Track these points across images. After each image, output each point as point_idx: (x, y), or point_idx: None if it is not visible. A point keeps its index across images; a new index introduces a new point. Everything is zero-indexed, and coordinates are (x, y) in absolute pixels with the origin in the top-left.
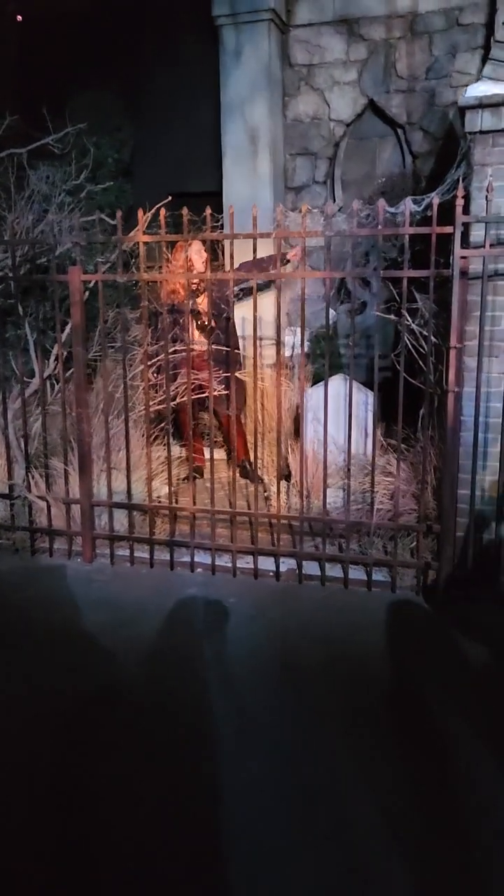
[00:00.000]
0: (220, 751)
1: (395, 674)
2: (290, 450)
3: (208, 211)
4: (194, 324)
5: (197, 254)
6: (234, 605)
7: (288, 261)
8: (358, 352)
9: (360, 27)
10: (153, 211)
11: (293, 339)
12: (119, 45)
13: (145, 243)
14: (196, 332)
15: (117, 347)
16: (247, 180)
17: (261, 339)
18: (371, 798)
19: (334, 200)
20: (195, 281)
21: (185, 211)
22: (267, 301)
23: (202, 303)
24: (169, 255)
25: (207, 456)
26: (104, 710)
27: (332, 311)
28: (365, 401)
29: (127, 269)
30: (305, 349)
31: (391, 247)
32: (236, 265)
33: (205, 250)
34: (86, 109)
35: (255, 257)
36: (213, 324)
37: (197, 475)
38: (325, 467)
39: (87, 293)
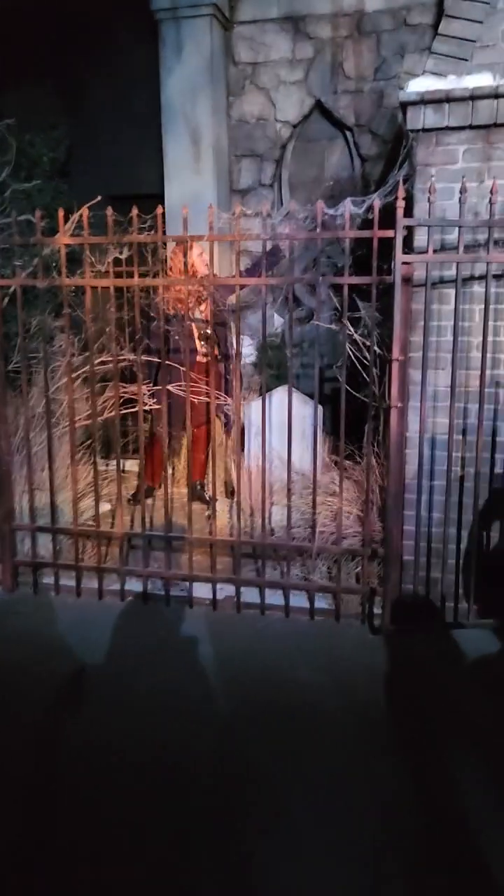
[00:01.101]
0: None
1: (329, 717)
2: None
3: (134, 212)
4: (196, 333)
5: (199, 257)
6: (164, 638)
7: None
8: (307, 361)
9: (305, 25)
10: (79, 213)
11: (252, 349)
12: (55, 38)
13: (67, 246)
14: (198, 342)
15: (39, 358)
16: (189, 182)
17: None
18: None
19: (281, 204)
20: (195, 287)
21: (108, 211)
22: None
23: (205, 311)
24: (93, 259)
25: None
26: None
27: (279, 319)
28: (310, 414)
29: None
30: (253, 359)
31: (340, 251)
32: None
33: (205, 254)
34: (18, 105)
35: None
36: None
37: (141, 498)
38: (265, 486)
39: (6, 300)
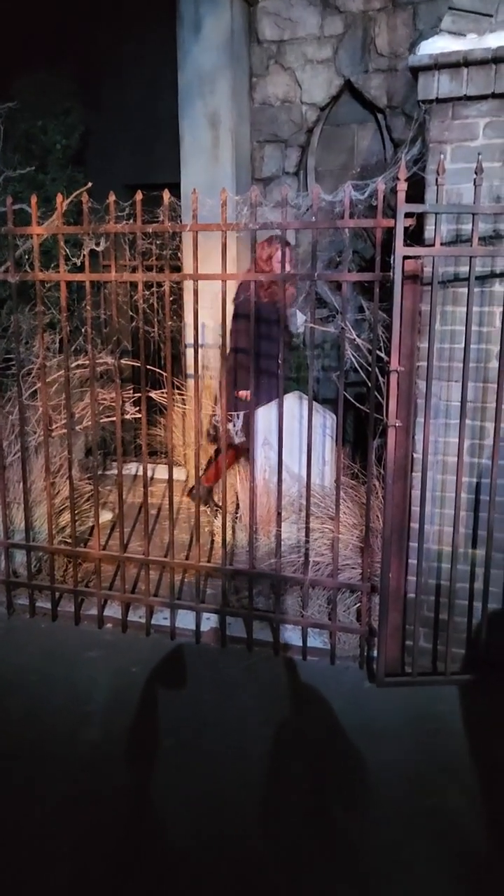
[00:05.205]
0: None
1: (305, 795)
2: (236, 477)
3: (111, 198)
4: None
5: (277, 251)
6: (137, 676)
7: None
8: (328, 364)
9: None
10: (68, 201)
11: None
12: (69, 20)
13: (40, 236)
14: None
15: (14, 361)
16: (206, 169)
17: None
18: None
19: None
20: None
21: (84, 198)
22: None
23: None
24: (67, 251)
25: (161, 476)
26: None
27: (301, 317)
28: (321, 424)
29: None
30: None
31: (371, 244)
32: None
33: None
34: (31, 90)
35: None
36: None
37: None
38: (253, 508)
39: None
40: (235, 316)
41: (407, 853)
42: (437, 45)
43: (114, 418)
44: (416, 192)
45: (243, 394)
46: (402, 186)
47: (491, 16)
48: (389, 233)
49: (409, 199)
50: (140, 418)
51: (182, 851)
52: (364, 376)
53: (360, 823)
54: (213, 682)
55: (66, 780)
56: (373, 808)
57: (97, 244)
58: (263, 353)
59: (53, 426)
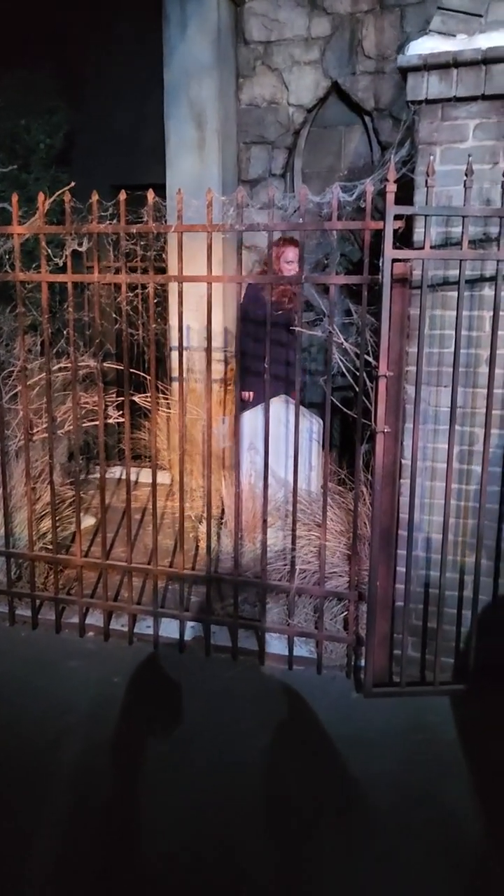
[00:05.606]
0: None
1: (283, 821)
2: (222, 481)
3: (94, 197)
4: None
5: (293, 254)
6: (119, 686)
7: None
8: (315, 367)
9: None
10: (50, 201)
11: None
12: (54, 18)
13: (21, 235)
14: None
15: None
16: (192, 170)
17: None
18: None
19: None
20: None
21: (66, 197)
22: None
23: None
24: (49, 251)
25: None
26: None
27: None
28: (307, 428)
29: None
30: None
31: (359, 247)
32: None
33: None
34: (16, 89)
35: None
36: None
37: None
38: (238, 514)
39: None
40: (240, 318)
41: (399, 866)
42: (426, 46)
43: (97, 422)
44: (405, 194)
45: (246, 395)
46: (392, 188)
47: (481, 16)
48: (378, 235)
49: (397, 202)
50: (124, 422)
51: (165, 864)
52: (351, 381)
53: (348, 836)
54: (197, 692)
55: (46, 793)
56: (363, 821)
57: (80, 245)
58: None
59: (34, 430)
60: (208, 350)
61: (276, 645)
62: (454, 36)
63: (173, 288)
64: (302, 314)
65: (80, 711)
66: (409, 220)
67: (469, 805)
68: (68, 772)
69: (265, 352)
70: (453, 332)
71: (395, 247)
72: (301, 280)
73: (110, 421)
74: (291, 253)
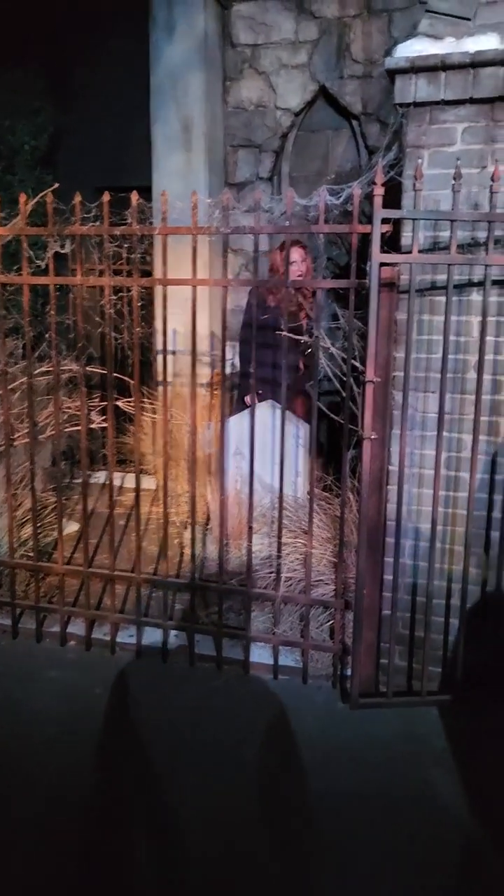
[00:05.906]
0: None
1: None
2: (207, 487)
3: (77, 198)
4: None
5: (298, 255)
6: (101, 697)
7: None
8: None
9: (310, 3)
10: (33, 202)
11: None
12: (39, 18)
13: (3, 237)
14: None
15: None
16: (178, 172)
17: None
18: None
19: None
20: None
21: (49, 198)
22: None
23: (304, 317)
24: (31, 253)
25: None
26: None
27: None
28: (294, 434)
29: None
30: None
31: (345, 252)
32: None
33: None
34: (0, 89)
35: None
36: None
37: None
38: (224, 521)
39: None
40: (244, 324)
41: (384, 882)
42: (414, 48)
43: (79, 427)
44: (392, 198)
45: (248, 399)
46: (379, 191)
47: (469, 19)
48: (365, 239)
49: (385, 205)
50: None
51: (144, 879)
52: (338, 386)
53: (334, 852)
54: (180, 703)
55: (25, 807)
56: (349, 837)
57: (62, 246)
58: (265, 361)
59: (16, 435)
60: (193, 354)
61: (261, 654)
62: (442, 39)
63: (158, 291)
64: (308, 321)
65: (61, 723)
66: (397, 224)
67: (458, 817)
68: (47, 785)
69: (272, 358)
70: (441, 338)
71: (382, 251)
72: (287, 284)
73: (93, 425)
74: (296, 254)
